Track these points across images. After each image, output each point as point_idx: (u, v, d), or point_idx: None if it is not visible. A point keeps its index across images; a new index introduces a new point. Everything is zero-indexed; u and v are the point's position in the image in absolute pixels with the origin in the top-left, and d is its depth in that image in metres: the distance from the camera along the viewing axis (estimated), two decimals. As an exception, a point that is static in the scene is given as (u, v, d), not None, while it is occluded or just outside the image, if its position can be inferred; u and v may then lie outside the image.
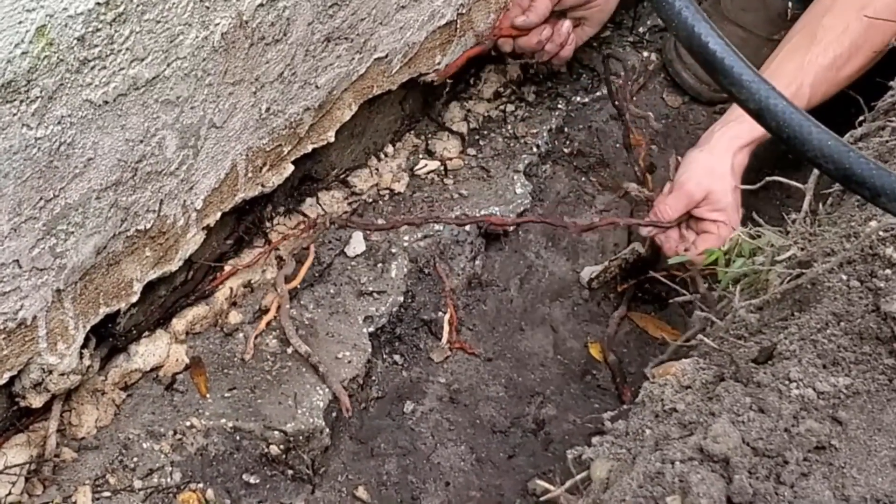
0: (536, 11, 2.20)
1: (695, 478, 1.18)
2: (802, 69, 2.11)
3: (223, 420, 1.81)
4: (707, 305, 1.75)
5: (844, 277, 1.40)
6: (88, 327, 1.69)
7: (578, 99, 2.48)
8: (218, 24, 1.62)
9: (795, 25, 2.22)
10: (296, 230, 2.06)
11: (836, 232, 1.48)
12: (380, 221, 2.14)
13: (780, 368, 1.31)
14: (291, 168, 1.98)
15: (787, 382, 1.28)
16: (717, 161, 2.10)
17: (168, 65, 1.57)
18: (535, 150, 2.34)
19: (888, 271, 1.37)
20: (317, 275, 2.04)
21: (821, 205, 1.67)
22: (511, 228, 2.21)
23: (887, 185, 1.16)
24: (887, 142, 1.65)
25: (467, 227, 2.16)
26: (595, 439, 1.46)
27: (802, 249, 1.49)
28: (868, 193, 1.17)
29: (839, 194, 1.69)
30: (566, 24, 2.28)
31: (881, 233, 1.42)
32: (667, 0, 1.19)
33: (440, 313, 2.12)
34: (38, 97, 1.37)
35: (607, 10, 2.36)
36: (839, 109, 2.06)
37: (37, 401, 1.66)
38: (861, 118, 1.86)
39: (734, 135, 2.11)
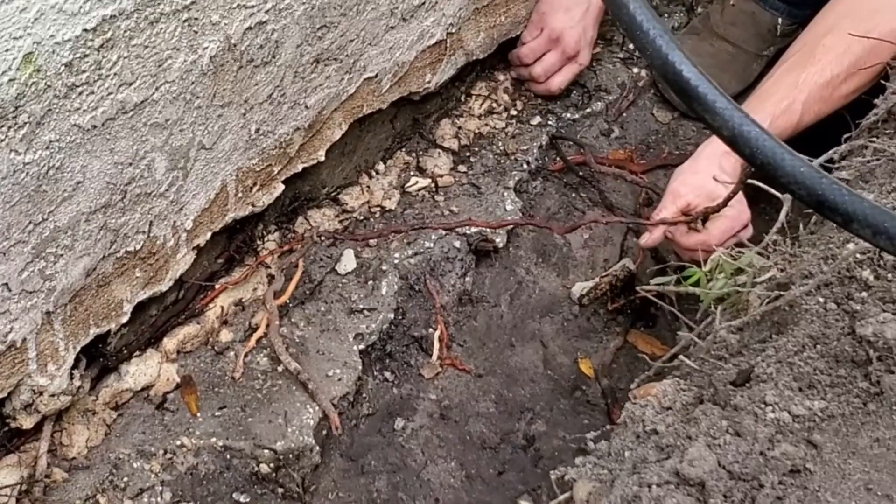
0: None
1: (670, 502, 1.19)
2: (797, 87, 2.10)
3: (213, 439, 1.82)
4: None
5: (821, 300, 1.41)
6: (79, 348, 1.71)
7: (569, 115, 2.48)
8: (206, 47, 1.63)
9: (794, 44, 2.22)
10: (284, 245, 2.08)
11: (814, 254, 1.49)
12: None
13: (756, 391, 1.32)
14: (282, 187, 2.00)
15: (763, 406, 1.30)
16: (702, 165, 2.11)
17: (156, 88, 1.58)
18: (525, 166, 2.35)
19: (864, 294, 1.39)
20: (308, 292, 2.06)
21: (801, 225, 1.68)
22: (501, 245, 2.21)
23: (859, 211, 1.17)
24: (868, 161, 1.67)
25: (457, 244, 2.17)
26: (578, 460, 1.47)
27: (782, 271, 1.50)
28: (840, 219, 1.18)
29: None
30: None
31: (858, 255, 1.43)
32: (641, 29, 1.20)
33: (431, 330, 2.13)
34: (25, 123, 1.39)
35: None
36: (830, 127, 2.06)
37: (27, 422, 1.67)
38: (846, 135, 1.87)
39: (719, 143, 2.11)
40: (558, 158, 2.41)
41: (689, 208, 2.06)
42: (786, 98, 2.10)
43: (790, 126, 2.07)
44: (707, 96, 1.19)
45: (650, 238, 2.14)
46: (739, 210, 2.03)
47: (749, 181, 1.77)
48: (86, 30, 1.42)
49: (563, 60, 2.42)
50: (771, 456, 1.23)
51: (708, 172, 2.06)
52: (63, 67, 1.41)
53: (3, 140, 1.37)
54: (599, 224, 2.31)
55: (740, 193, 2.00)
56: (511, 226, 2.23)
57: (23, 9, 1.32)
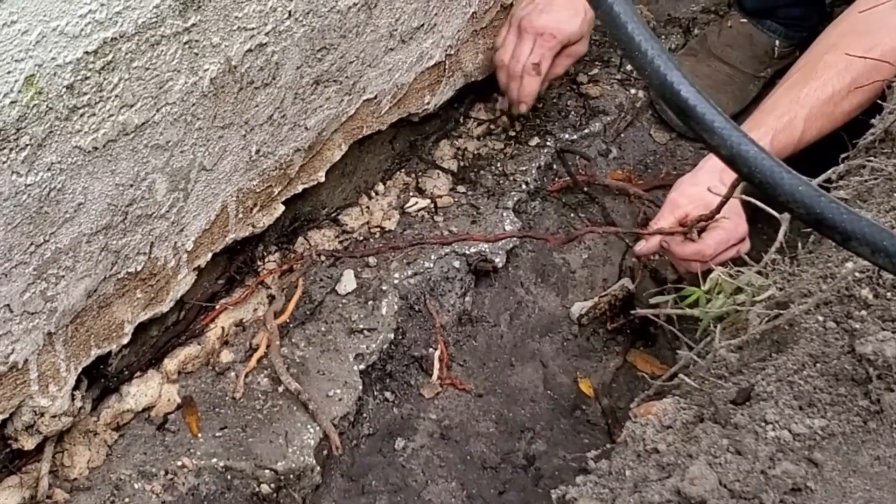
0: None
1: (672, 520, 1.20)
2: (798, 102, 2.09)
3: (214, 460, 1.82)
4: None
5: (821, 318, 1.41)
6: (80, 369, 1.71)
7: (567, 136, 2.49)
8: (207, 69, 1.64)
9: (796, 64, 2.21)
10: (284, 264, 2.09)
11: (813, 272, 1.50)
12: (369, 258, 2.16)
13: (756, 410, 1.32)
14: (282, 208, 2.00)
15: (763, 424, 1.30)
16: (702, 178, 2.10)
17: (157, 110, 1.59)
18: (523, 187, 2.36)
19: (863, 312, 1.39)
20: (308, 313, 2.06)
21: (800, 244, 1.68)
22: (500, 265, 2.22)
23: (857, 230, 1.17)
24: (866, 181, 1.67)
25: (456, 264, 2.18)
26: (579, 478, 1.47)
27: (781, 290, 1.51)
28: (839, 237, 1.18)
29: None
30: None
31: (857, 274, 1.44)
32: (639, 49, 1.21)
33: (431, 350, 2.14)
34: (27, 145, 1.39)
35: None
36: (828, 148, 2.06)
37: (29, 443, 1.67)
38: (844, 155, 1.88)
39: None
40: (557, 178, 2.43)
41: (686, 219, 2.06)
42: (787, 113, 2.09)
43: (792, 142, 2.07)
44: (705, 116, 1.19)
45: (645, 246, 2.13)
46: (736, 223, 2.03)
47: (747, 199, 1.78)
48: (87, 52, 1.42)
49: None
50: (772, 474, 1.24)
51: (708, 185, 2.06)
52: (64, 89, 1.41)
53: (4, 162, 1.38)
54: (597, 236, 2.32)
55: (738, 207, 2.01)
56: (507, 238, 2.23)
57: (24, 31, 1.33)
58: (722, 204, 1.85)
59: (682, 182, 2.15)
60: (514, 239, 2.25)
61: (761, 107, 2.18)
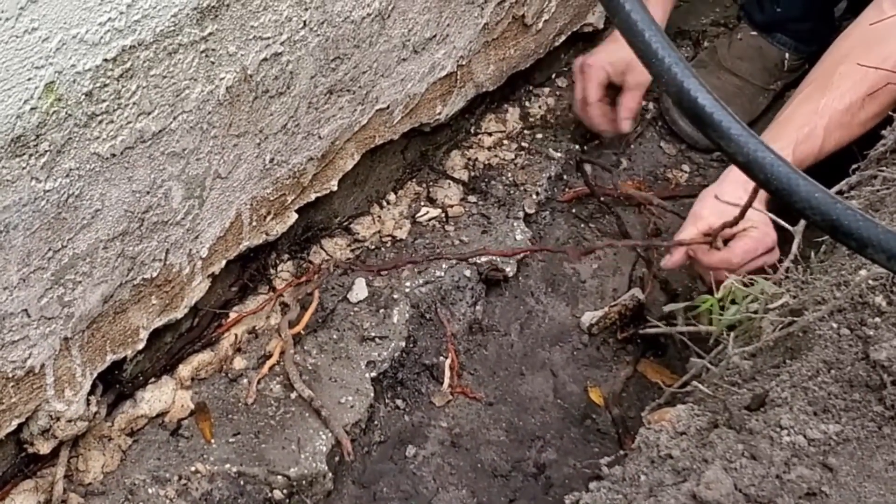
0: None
1: (688, 524, 1.20)
2: (817, 113, 2.08)
3: (227, 465, 1.83)
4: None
5: (835, 325, 1.42)
6: (95, 374, 1.72)
7: (577, 147, 2.51)
8: (223, 78, 1.65)
9: (809, 76, 2.21)
10: (300, 276, 2.10)
11: (827, 280, 1.51)
12: (383, 267, 2.18)
13: (771, 415, 1.33)
14: (295, 216, 2.01)
15: (778, 429, 1.30)
16: (725, 189, 2.08)
17: (174, 118, 1.60)
18: (534, 197, 2.37)
19: (877, 319, 1.40)
20: (320, 320, 2.07)
21: (812, 253, 1.69)
22: (511, 274, 2.23)
23: (874, 237, 1.19)
24: (878, 191, 1.68)
25: (467, 273, 2.19)
26: (592, 485, 1.48)
27: (794, 297, 1.52)
28: (855, 244, 1.20)
29: (831, 243, 1.71)
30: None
31: (870, 281, 1.44)
32: (657, 56, 1.22)
33: (441, 358, 2.15)
34: (46, 151, 1.40)
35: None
36: (839, 161, 2.07)
37: (44, 447, 1.68)
38: (855, 166, 1.89)
39: None
40: (567, 188, 2.44)
41: (710, 231, 2.06)
42: (807, 124, 2.08)
43: (812, 152, 2.06)
44: (722, 123, 1.21)
45: (671, 260, 2.12)
46: (764, 232, 2.02)
47: (759, 210, 1.79)
48: (106, 60, 1.43)
49: None
50: (787, 479, 1.24)
51: (731, 197, 2.06)
52: (83, 96, 1.42)
53: (24, 168, 1.39)
54: (614, 249, 2.33)
55: (766, 217, 2.00)
56: (525, 254, 2.24)
57: (45, 38, 1.34)
58: (744, 210, 1.85)
59: (705, 194, 2.15)
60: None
61: (777, 119, 2.17)
